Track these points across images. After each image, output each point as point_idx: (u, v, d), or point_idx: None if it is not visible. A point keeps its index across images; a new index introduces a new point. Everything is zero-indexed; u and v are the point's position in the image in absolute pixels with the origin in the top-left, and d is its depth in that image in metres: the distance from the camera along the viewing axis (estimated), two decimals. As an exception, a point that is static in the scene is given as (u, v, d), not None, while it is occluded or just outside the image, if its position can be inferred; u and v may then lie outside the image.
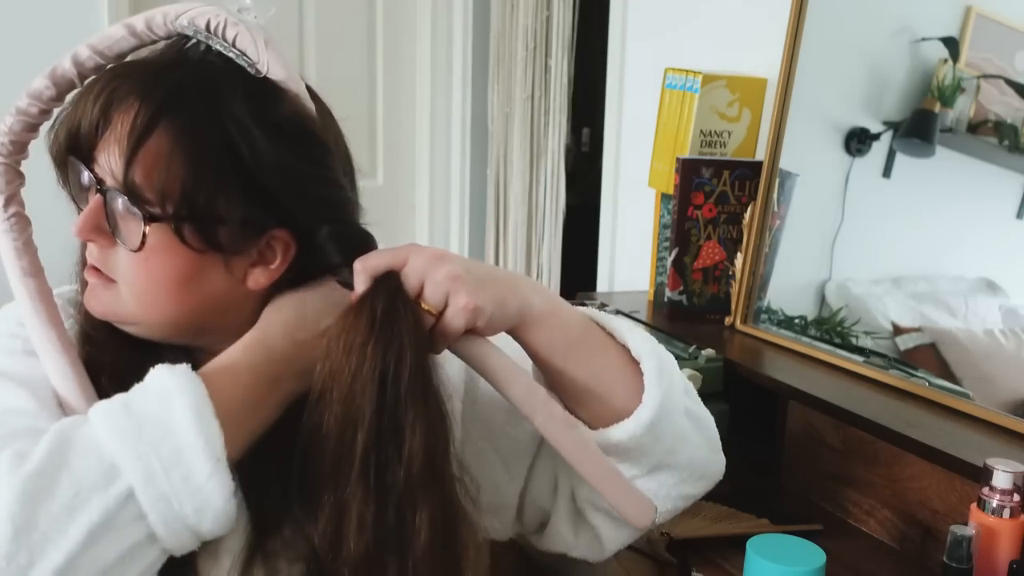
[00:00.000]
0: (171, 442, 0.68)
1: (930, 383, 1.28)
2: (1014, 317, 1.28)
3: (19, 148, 0.80)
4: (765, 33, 1.65)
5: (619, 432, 0.81)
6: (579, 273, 2.52)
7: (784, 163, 1.57)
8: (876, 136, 1.48)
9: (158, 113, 0.74)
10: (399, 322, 0.74)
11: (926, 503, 1.11)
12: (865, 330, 1.44)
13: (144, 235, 0.75)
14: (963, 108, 1.37)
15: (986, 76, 1.34)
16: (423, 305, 0.76)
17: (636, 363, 0.83)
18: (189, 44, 0.78)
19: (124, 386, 0.72)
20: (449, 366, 0.82)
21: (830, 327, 1.49)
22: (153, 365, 0.72)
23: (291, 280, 0.80)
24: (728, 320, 1.61)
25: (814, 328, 1.51)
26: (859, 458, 1.20)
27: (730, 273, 1.64)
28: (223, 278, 0.78)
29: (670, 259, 1.66)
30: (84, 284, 0.82)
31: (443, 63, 2.93)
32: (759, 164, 1.60)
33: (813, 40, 1.53)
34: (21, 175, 0.81)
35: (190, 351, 0.83)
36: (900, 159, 1.45)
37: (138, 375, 0.72)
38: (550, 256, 2.72)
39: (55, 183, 0.81)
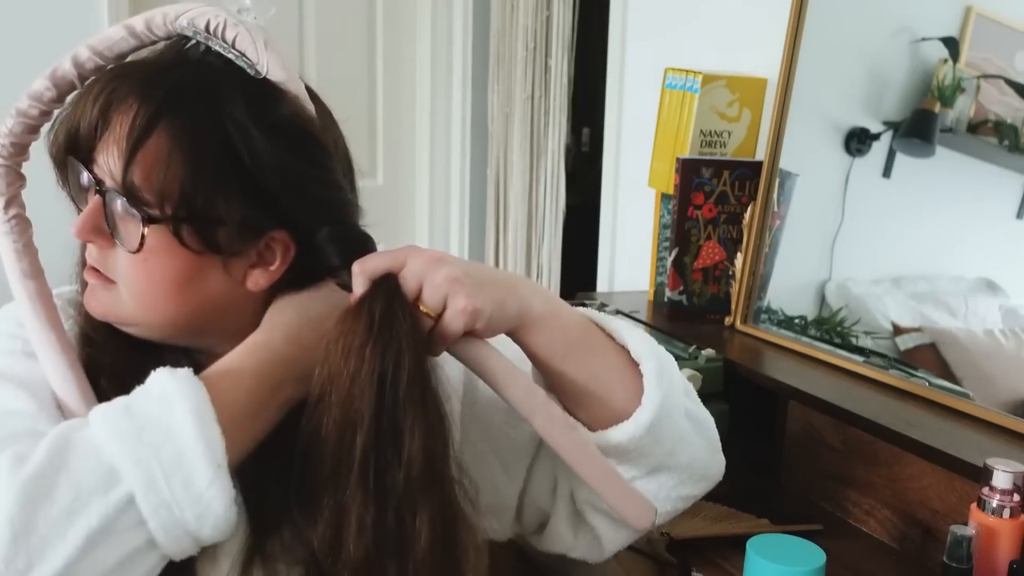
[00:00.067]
0: (172, 447, 0.67)
1: (930, 383, 1.28)
2: (1014, 317, 1.28)
3: (20, 150, 0.80)
4: (765, 33, 1.65)
5: (618, 434, 0.81)
6: (579, 273, 2.52)
7: (784, 163, 1.57)
8: (876, 136, 1.48)
9: (157, 114, 0.74)
10: (397, 325, 0.74)
11: (926, 503, 1.11)
12: (865, 330, 1.44)
13: (143, 236, 0.75)
14: (963, 108, 1.37)
15: (986, 76, 1.34)
16: (421, 307, 0.76)
17: (636, 364, 0.83)
18: (189, 45, 0.78)
19: (124, 388, 0.72)
20: (448, 367, 0.82)
21: (830, 327, 1.49)
22: (153, 367, 0.72)
23: (291, 281, 0.80)
24: (728, 320, 1.61)
25: (814, 328, 1.51)
26: (859, 458, 1.20)
27: (730, 273, 1.64)
28: (222, 279, 0.78)
29: (670, 259, 1.66)
30: (84, 285, 0.82)
31: (443, 63, 2.93)
32: (759, 164, 1.60)
33: (813, 40, 1.53)
34: (22, 177, 0.81)
35: (190, 352, 0.83)
36: (900, 159, 1.45)
37: (138, 377, 0.72)
38: (550, 256, 2.72)
39: (55, 184, 0.81)
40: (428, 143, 2.99)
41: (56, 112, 0.80)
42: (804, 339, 1.49)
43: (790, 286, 1.58)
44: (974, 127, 1.35)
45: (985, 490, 0.95)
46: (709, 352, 1.41)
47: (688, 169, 1.63)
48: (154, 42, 0.80)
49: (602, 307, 1.65)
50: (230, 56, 0.77)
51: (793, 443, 1.30)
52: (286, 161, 0.76)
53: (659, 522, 0.86)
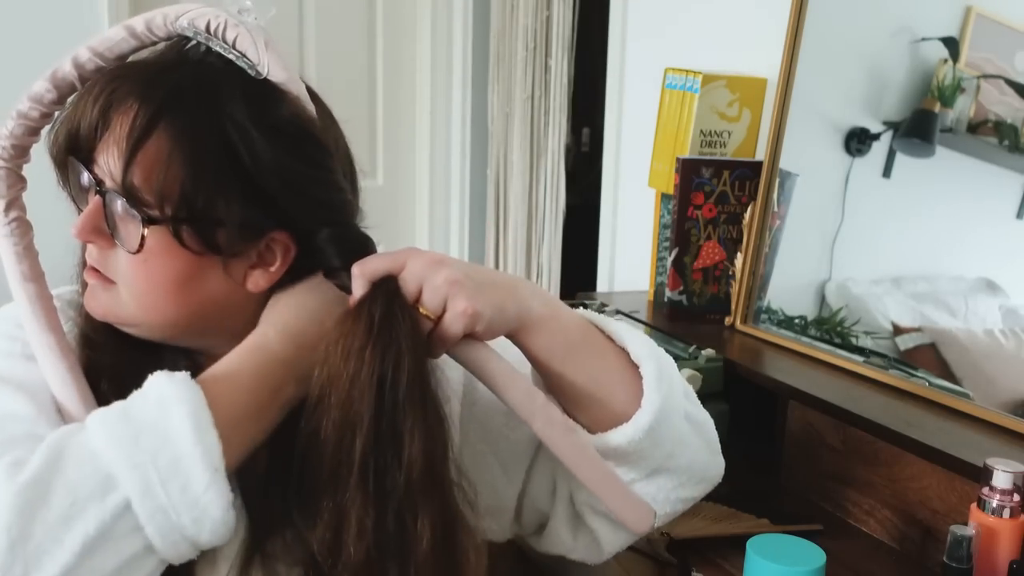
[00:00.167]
0: (169, 452, 0.67)
1: (930, 383, 1.28)
2: (1014, 317, 1.28)
3: (20, 152, 0.80)
4: (765, 33, 1.65)
5: (618, 436, 0.81)
6: (579, 273, 2.52)
7: (784, 163, 1.57)
8: (876, 136, 1.48)
9: (157, 115, 0.74)
10: (397, 327, 0.73)
11: (926, 503, 1.11)
12: (865, 330, 1.44)
13: (143, 237, 0.75)
14: (963, 108, 1.37)
15: (986, 76, 1.34)
16: (421, 310, 0.76)
17: (636, 367, 0.83)
18: (189, 45, 0.78)
19: (124, 390, 0.72)
20: (449, 368, 0.82)
21: (830, 327, 1.49)
22: (153, 368, 0.72)
23: (291, 283, 0.80)
24: (728, 320, 1.61)
25: (814, 328, 1.51)
26: (859, 458, 1.20)
27: (730, 273, 1.64)
28: (222, 280, 0.78)
29: (670, 259, 1.66)
30: (84, 285, 0.82)
31: (443, 63, 2.93)
32: (759, 164, 1.60)
33: (813, 40, 1.53)
34: (23, 179, 0.81)
35: (190, 353, 0.83)
36: (900, 159, 1.45)
37: (138, 379, 0.72)
38: (550, 256, 2.72)
39: (56, 185, 0.81)
40: (428, 143, 2.99)
41: (56, 114, 0.80)
42: (804, 339, 1.49)
43: (790, 286, 1.58)
44: (974, 127, 1.35)
45: (985, 490, 0.95)
46: (709, 352, 1.41)
47: (688, 169, 1.63)
48: (154, 43, 0.80)
49: (602, 307, 1.66)
50: (231, 57, 0.77)
51: (793, 443, 1.30)
52: (286, 162, 0.76)
53: (658, 524, 0.86)
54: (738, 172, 1.64)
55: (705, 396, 1.10)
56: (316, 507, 0.75)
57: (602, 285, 2.32)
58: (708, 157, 1.67)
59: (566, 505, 0.92)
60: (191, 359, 0.83)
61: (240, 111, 0.75)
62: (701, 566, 1.09)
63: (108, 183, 0.76)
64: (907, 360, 1.37)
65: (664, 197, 1.76)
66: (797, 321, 1.54)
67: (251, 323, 0.79)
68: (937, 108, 1.39)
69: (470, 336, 0.77)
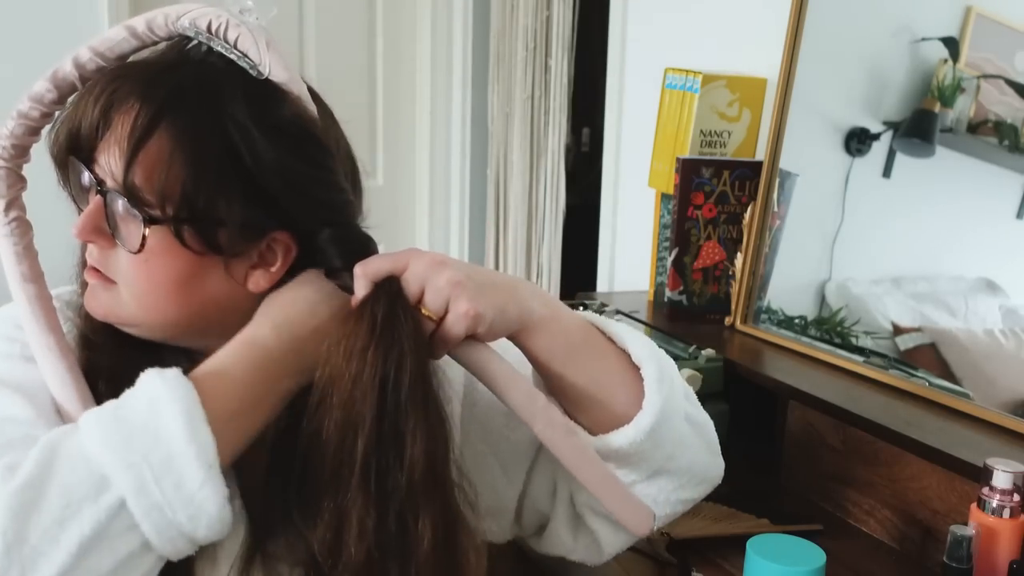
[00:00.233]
0: (161, 450, 0.67)
1: (930, 383, 1.28)
2: (1014, 317, 1.28)
3: (21, 152, 0.80)
4: (765, 33, 1.65)
5: (619, 438, 0.81)
6: (579, 273, 2.52)
7: (784, 163, 1.57)
8: (876, 136, 1.48)
9: (159, 115, 0.74)
10: (399, 328, 0.73)
11: (926, 503, 1.11)
12: (865, 330, 1.44)
13: (144, 237, 0.75)
14: (963, 108, 1.37)
15: (986, 76, 1.34)
16: (423, 311, 0.75)
17: (636, 368, 0.83)
18: (190, 45, 0.78)
19: (122, 391, 0.71)
20: (450, 369, 0.82)
21: (830, 327, 1.49)
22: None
23: (294, 284, 0.80)
24: (728, 320, 1.61)
25: (814, 328, 1.51)
26: (859, 458, 1.20)
27: (730, 273, 1.64)
28: (223, 280, 0.78)
29: (670, 259, 1.66)
30: (84, 285, 0.82)
31: (443, 63, 2.93)
32: (759, 164, 1.60)
33: (813, 40, 1.53)
34: (23, 179, 0.81)
35: (190, 353, 0.83)
36: (900, 159, 1.45)
37: (137, 380, 0.72)
38: (550, 256, 2.72)
39: (56, 185, 0.81)
40: (428, 143, 2.99)
41: (57, 113, 0.80)
42: (804, 339, 1.49)
43: (790, 286, 1.58)
44: (974, 127, 1.35)
45: (985, 490, 0.95)
46: (709, 352, 1.41)
47: (688, 169, 1.63)
48: (155, 43, 0.80)
49: (602, 307, 1.66)
50: (232, 57, 0.77)
51: (793, 443, 1.30)
52: (287, 162, 0.75)
53: (659, 525, 0.86)
54: (738, 172, 1.64)
55: (705, 396, 1.10)
56: (317, 507, 0.74)
57: (602, 285, 2.32)
58: (708, 157, 1.67)
59: (566, 506, 0.92)
60: (191, 359, 0.82)
61: (242, 111, 0.75)
62: (701, 566, 1.09)
63: (109, 183, 0.76)
64: (907, 360, 1.37)
65: (664, 197, 1.76)
66: (797, 321, 1.54)
67: None
68: (937, 108, 1.39)
69: (471, 337, 0.77)
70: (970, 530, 0.93)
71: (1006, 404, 1.19)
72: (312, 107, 0.79)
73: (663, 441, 0.83)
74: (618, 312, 1.66)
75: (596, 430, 0.83)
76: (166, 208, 0.74)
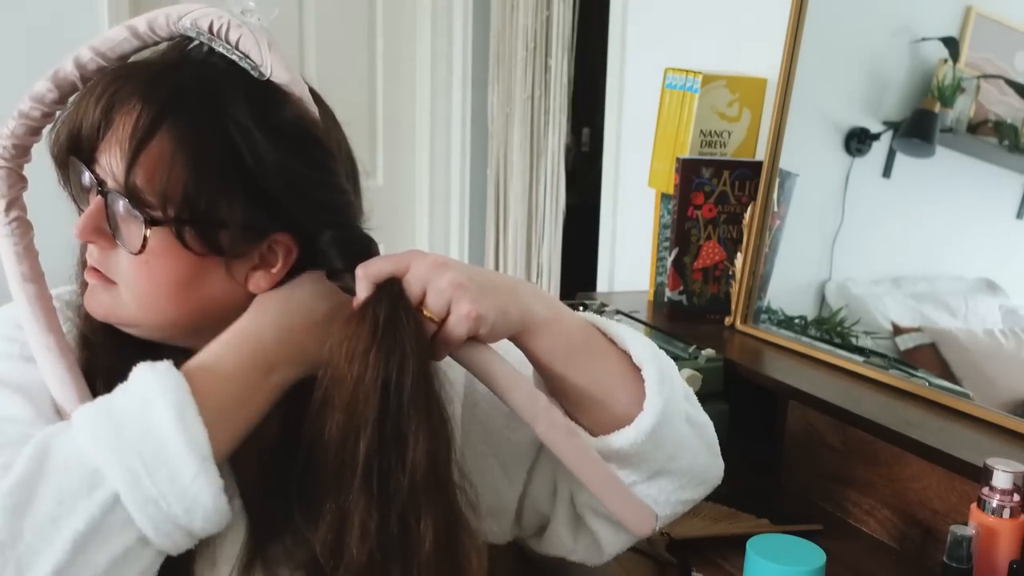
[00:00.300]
0: (153, 443, 0.67)
1: (930, 383, 1.28)
2: (1014, 317, 1.28)
3: (21, 152, 0.80)
4: (765, 33, 1.65)
5: (620, 439, 0.81)
6: (579, 273, 2.52)
7: (784, 163, 1.57)
8: (876, 136, 1.48)
9: (160, 116, 0.74)
10: (401, 329, 0.73)
11: (926, 503, 1.11)
12: (865, 330, 1.44)
13: (145, 238, 0.75)
14: (963, 108, 1.37)
15: (986, 76, 1.34)
16: (425, 312, 0.75)
17: (637, 369, 0.83)
18: (192, 46, 0.78)
19: None
20: (451, 369, 0.82)
21: (830, 327, 1.49)
22: None
23: (292, 283, 0.80)
24: (728, 320, 1.61)
25: (814, 328, 1.51)
26: (859, 458, 1.20)
27: (730, 273, 1.64)
28: (224, 281, 0.78)
29: (670, 259, 1.66)
30: (84, 285, 0.82)
31: (443, 63, 2.93)
32: (759, 164, 1.61)
33: (813, 40, 1.53)
34: (24, 179, 0.81)
35: (190, 353, 0.83)
36: (900, 159, 1.45)
37: None
38: (550, 256, 2.72)
39: (57, 184, 0.81)
40: (428, 143, 2.99)
41: (58, 113, 0.79)
42: (804, 339, 1.49)
43: (790, 286, 1.58)
44: (974, 127, 1.35)
45: (985, 490, 0.95)
46: (709, 352, 1.41)
47: (688, 169, 1.63)
48: (157, 43, 0.79)
49: (602, 307, 1.66)
50: (233, 57, 0.77)
51: (793, 443, 1.30)
52: (289, 163, 0.75)
53: (659, 525, 0.86)
54: (738, 172, 1.64)
55: (705, 396, 1.11)
56: (319, 509, 0.74)
57: (602, 285, 2.32)
58: (708, 157, 1.67)
59: (567, 507, 0.92)
60: (191, 359, 0.83)
61: (243, 112, 0.74)
62: (701, 566, 1.10)
63: (110, 183, 0.76)
64: (907, 360, 1.37)
65: (664, 197, 1.76)
66: (797, 321, 1.54)
67: None
68: (937, 108, 1.39)
69: (473, 339, 0.77)
70: (970, 530, 0.93)
71: (1006, 404, 1.19)
72: (314, 108, 0.79)
73: (664, 442, 0.83)
74: (618, 312, 1.66)
75: (597, 431, 0.83)
76: (167, 209, 0.74)
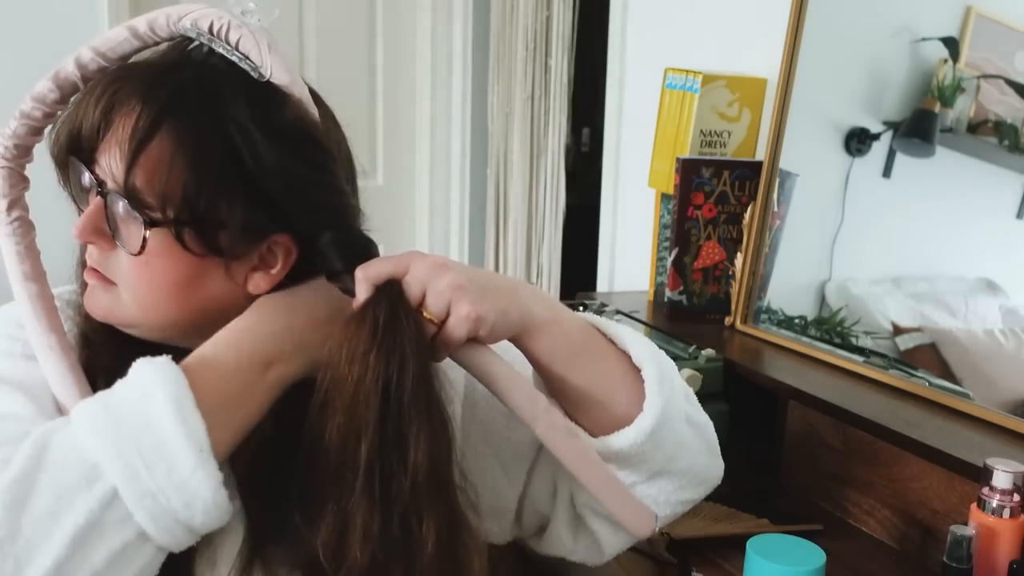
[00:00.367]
0: (151, 436, 0.67)
1: (930, 383, 1.28)
2: (1014, 317, 1.28)
3: (23, 152, 0.80)
4: (765, 33, 1.65)
5: (620, 440, 0.81)
6: (579, 273, 2.52)
7: (784, 163, 1.57)
8: (876, 136, 1.48)
9: (160, 117, 0.74)
10: (401, 331, 0.73)
11: (926, 503, 1.11)
12: (865, 330, 1.44)
13: (144, 239, 0.75)
14: (963, 108, 1.37)
15: (986, 76, 1.34)
16: (425, 314, 0.75)
17: (637, 370, 0.83)
18: (192, 46, 0.78)
19: None
20: (451, 370, 0.81)
21: (830, 327, 1.49)
22: None
23: (291, 284, 0.80)
24: (728, 320, 1.61)
25: (814, 328, 1.51)
26: (859, 458, 1.20)
27: (730, 273, 1.64)
28: (223, 282, 0.78)
29: (670, 259, 1.66)
30: (84, 285, 0.82)
31: (443, 63, 2.94)
32: (759, 164, 1.61)
33: (813, 40, 1.53)
34: (25, 179, 0.81)
35: (190, 353, 0.83)
36: (900, 159, 1.45)
37: None
38: (550, 256, 2.72)
39: (57, 184, 0.81)
40: (428, 143, 2.99)
41: (58, 113, 0.80)
42: (804, 339, 1.49)
43: (790, 286, 1.58)
44: (974, 127, 1.35)
45: (985, 490, 0.95)
46: (709, 352, 1.41)
47: (688, 169, 1.63)
48: (157, 43, 0.79)
49: (602, 307, 1.66)
50: (233, 58, 0.76)
51: (793, 443, 1.31)
52: (289, 165, 0.75)
53: (659, 526, 0.86)
54: (738, 172, 1.64)
55: (705, 396, 1.11)
56: (320, 511, 0.74)
57: (602, 285, 2.32)
58: (708, 157, 1.67)
59: (567, 507, 0.92)
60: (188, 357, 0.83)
61: (243, 113, 0.74)
62: (701, 566, 1.10)
63: (110, 184, 0.76)
64: (907, 360, 1.37)
65: (664, 197, 1.76)
66: (797, 321, 1.54)
67: None
68: (937, 108, 1.39)
69: (473, 340, 0.77)
70: (970, 530, 0.93)
71: (1006, 404, 1.19)
72: (314, 110, 0.79)
73: (663, 442, 0.83)
74: (618, 312, 1.66)
75: (597, 432, 0.83)
76: (167, 210, 0.74)
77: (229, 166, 0.74)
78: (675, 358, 1.20)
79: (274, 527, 0.79)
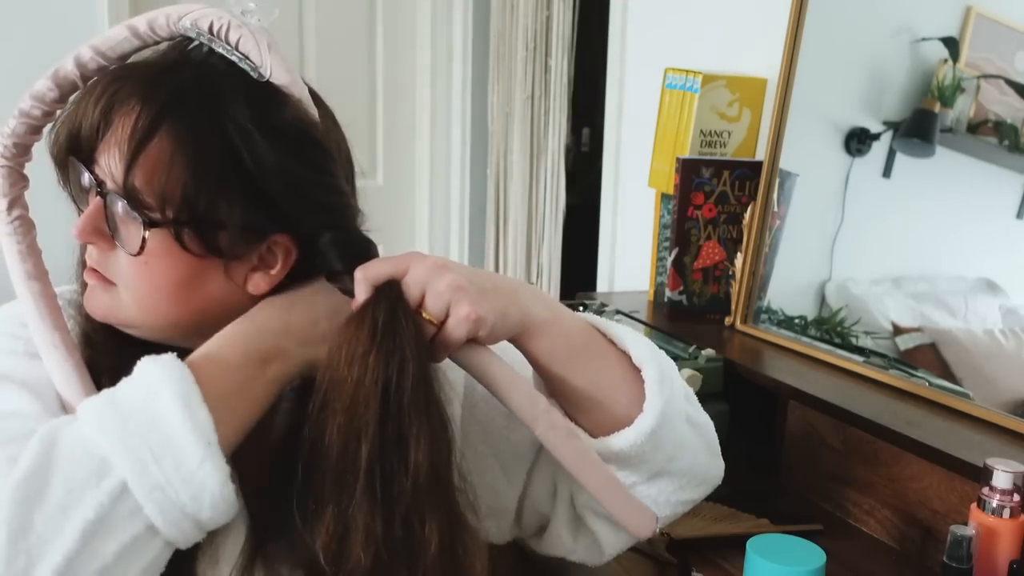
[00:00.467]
0: (159, 431, 0.67)
1: (930, 383, 1.28)
2: (1014, 317, 1.28)
3: (22, 150, 0.80)
4: (765, 33, 1.65)
5: (620, 440, 0.81)
6: (579, 273, 2.52)
7: (784, 163, 1.57)
8: (876, 136, 1.48)
9: (159, 117, 0.74)
10: (401, 332, 0.73)
11: (926, 503, 1.11)
12: (865, 330, 1.44)
13: (144, 239, 0.75)
14: (963, 108, 1.37)
15: (986, 76, 1.34)
16: (424, 314, 0.75)
17: (637, 370, 0.83)
18: (192, 46, 0.78)
19: None
20: (450, 370, 0.81)
21: (830, 327, 1.49)
22: None
23: (291, 285, 0.80)
24: (728, 320, 1.61)
25: (814, 328, 1.51)
26: (859, 458, 1.20)
27: (730, 273, 1.64)
28: (223, 282, 0.78)
29: (670, 259, 1.66)
30: (84, 285, 0.82)
31: (443, 63, 2.94)
32: (759, 164, 1.61)
33: (813, 40, 1.53)
34: (25, 178, 0.81)
35: (190, 353, 0.83)
36: (900, 159, 1.45)
37: None
38: (550, 256, 2.72)
39: (56, 183, 0.81)
40: (428, 143, 2.99)
41: (57, 113, 0.80)
42: (804, 339, 1.49)
43: (790, 286, 1.58)
44: (974, 127, 1.35)
45: (985, 490, 0.95)
46: (709, 352, 1.41)
47: (688, 169, 1.63)
48: (156, 43, 0.79)
49: (602, 307, 1.66)
50: (233, 58, 0.76)
51: (793, 443, 1.30)
52: (288, 165, 0.75)
53: (659, 526, 0.86)
54: (738, 172, 1.64)
55: (705, 396, 1.11)
56: (321, 512, 0.74)
57: (602, 285, 2.33)
58: (708, 157, 1.67)
59: (567, 507, 0.92)
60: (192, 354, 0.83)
61: (242, 113, 0.74)
62: (701, 566, 1.10)
63: (109, 184, 0.76)
64: (907, 360, 1.37)
65: (664, 197, 1.76)
66: (797, 321, 1.54)
67: None
68: (937, 108, 1.39)
69: (472, 340, 0.77)
70: (970, 530, 0.93)
71: (1006, 404, 1.19)
72: (313, 110, 0.79)
73: (664, 443, 0.83)
74: (618, 312, 1.66)
75: (597, 432, 0.83)
76: (166, 211, 0.74)
77: (229, 166, 0.74)
78: (675, 358, 1.20)
79: (276, 526, 0.79)
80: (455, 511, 0.77)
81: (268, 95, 0.76)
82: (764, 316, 1.59)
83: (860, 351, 1.43)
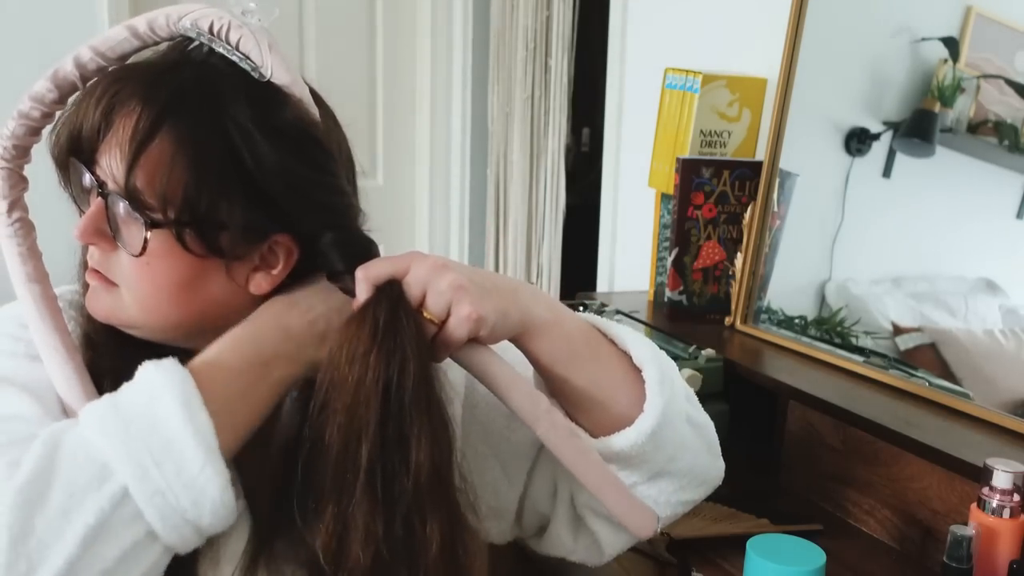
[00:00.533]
0: (160, 436, 0.67)
1: (930, 383, 1.28)
2: (1014, 317, 1.28)
3: (22, 152, 0.80)
4: (765, 33, 1.65)
5: (621, 440, 0.81)
6: (579, 273, 2.52)
7: (784, 163, 1.57)
8: (876, 136, 1.48)
9: (160, 117, 0.73)
10: (402, 331, 0.73)
11: (926, 503, 1.11)
12: (865, 330, 1.45)
13: (146, 240, 0.75)
14: (963, 108, 1.37)
15: (986, 76, 1.34)
16: (425, 314, 0.75)
17: (638, 370, 0.83)
18: (192, 46, 0.78)
19: None
20: (451, 370, 0.82)
21: (830, 327, 1.49)
22: None
23: (293, 285, 0.80)
24: (728, 320, 1.61)
25: (814, 328, 1.51)
26: (859, 458, 1.20)
27: (730, 273, 1.64)
28: (224, 283, 0.78)
29: (670, 259, 1.66)
30: (86, 286, 0.82)
31: (443, 63, 2.94)
32: (759, 164, 1.61)
33: (813, 40, 1.53)
34: (24, 180, 0.81)
35: (192, 354, 0.83)
36: (900, 159, 1.45)
37: None
38: (550, 256, 2.72)
39: (57, 185, 0.81)
40: (428, 143, 2.99)
41: (58, 114, 0.79)
42: (804, 339, 1.49)
43: (790, 286, 1.58)
44: (974, 127, 1.35)
45: (985, 490, 0.95)
46: (709, 352, 1.41)
47: (688, 169, 1.63)
48: (157, 43, 0.79)
49: (602, 307, 1.66)
50: (234, 58, 0.76)
51: (793, 443, 1.31)
52: (289, 165, 0.75)
53: (659, 527, 0.86)
54: (738, 172, 1.64)
55: (705, 396, 1.11)
56: (322, 512, 0.74)
57: (602, 285, 2.33)
58: (708, 157, 1.67)
59: (567, 507, 0.92)
60: (192, 359, 0.83)
61: (243, 113, 0.74)
62: (701, 566, 1.10)
63: (110, 185, 0.75)
64: (907, 360, 1.37)
65: (664, 197, 1.76)
66: (797, 321, 1.54)
67: None
68: (937, 108, 1.39)
69: (473, 340, 0.77)
70: (970, 530, 0.93)
71: (1006, 404, 1.19)
72: (314, 110, 0.79)
73: (664, 443, 0.83)
74: (618, 312, 1.66)
75: (597, 432, 0.83)
76: (168, 211, 0.74)
77: (229, 166, 0.74)
78: (675, 358, 1.20)
79: (278, 528, 0.79)
80: (455, 511, 0.77)
81: (269, 95, 0.76)
82: (764, 316, 1.59)
83: (860, 351, 1.43)
